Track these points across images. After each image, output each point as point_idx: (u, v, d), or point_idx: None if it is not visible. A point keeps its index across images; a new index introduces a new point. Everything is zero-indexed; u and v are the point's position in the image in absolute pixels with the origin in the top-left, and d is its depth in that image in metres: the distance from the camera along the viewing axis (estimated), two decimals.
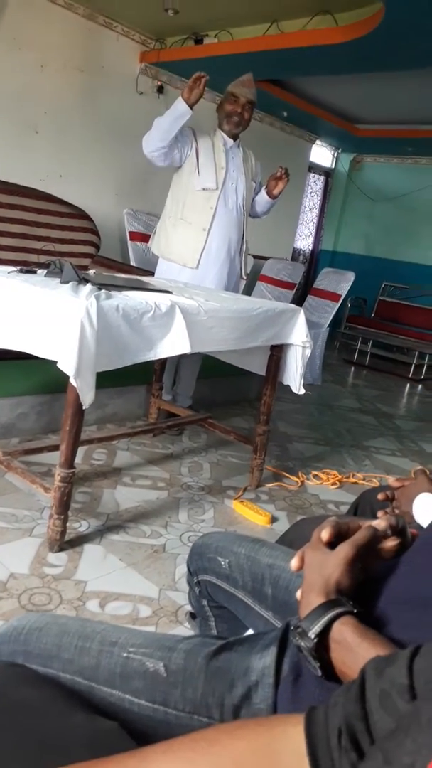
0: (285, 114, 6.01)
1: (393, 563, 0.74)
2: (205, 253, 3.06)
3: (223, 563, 1.10)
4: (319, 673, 0.66)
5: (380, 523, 0.75)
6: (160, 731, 0.74)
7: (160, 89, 5.01)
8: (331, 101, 5.77)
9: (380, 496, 1.28)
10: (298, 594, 0.73)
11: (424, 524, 1.13)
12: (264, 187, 3.24)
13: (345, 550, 0.72)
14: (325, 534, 0.74)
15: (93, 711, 0.71)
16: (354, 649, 0.63)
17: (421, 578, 0.68)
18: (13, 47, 4.02)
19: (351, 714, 0.47)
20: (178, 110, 2.85)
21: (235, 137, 3.11)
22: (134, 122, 4.88)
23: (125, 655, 0.79)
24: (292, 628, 0.70)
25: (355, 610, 0.67)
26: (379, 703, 0.47)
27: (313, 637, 0.65)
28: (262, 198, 3.25)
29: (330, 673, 0.66)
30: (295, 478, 2.96)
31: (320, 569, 0.71)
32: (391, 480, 1.32)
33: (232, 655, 0.78)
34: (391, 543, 0.76)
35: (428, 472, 1.27)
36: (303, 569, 0.74)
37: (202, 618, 1.22)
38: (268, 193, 3.20)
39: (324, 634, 0.65)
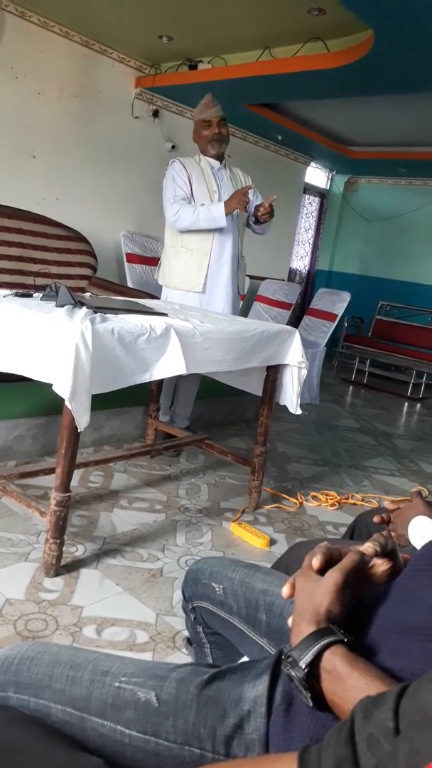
0: (279, 137, 6.10)
1: (384, 589, 0.73)
2: (210, 276, 3.10)
3: (217, 589, 1.08)
4: (311, 703, 0.65)
5: (368, 548, 0.75)
6: (151, 763, 0.73)
7: (156, 113, 5.09)
8: (325, 124, 5.86)
9: (376, 519, 1.27)
10: (290, 621, 0.72)
11: (419, 547, 1.12)
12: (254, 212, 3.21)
13: (333, 576, 0.71)
14: (315, 562, 0.74)
15: (80, 746, 0.71)
16: (344, 679, 0.62)
17: (410, 605, 0.67)
18: (11, 75, 4.09)
19: (342, 758, 0.48)
20: (218, 222, 2.99)
21: (220, 158, 3.16)
22: (130, 146, 4.97)
23: (117, 684, 0.78)
24: (283, 657, 0.69)
25: (345, 639, 0.66)
26: (366, 746, 0.47)
27: (303, 666, 0.65)
28: (253, 225, 3.27)
29: (321, 703, 0.65)
30: (293, 500, 2.94)
31: (310, 597, 0.71)
32: (387, 502, 1.32)
33: (225, 684, 0.77)
34: (381, 568, 0.75)
35: (425, 494, 1.27)
36: (294, 596, 0.74)
37: (198, 645, 1.21)
38: (256, 221, 3.19)
39: (315, 663, 0.65)
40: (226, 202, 2.97)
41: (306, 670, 0.64)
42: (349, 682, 0.61)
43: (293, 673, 0.65)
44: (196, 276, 3.10)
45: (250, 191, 3.04)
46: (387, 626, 0.68)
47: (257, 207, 3.12)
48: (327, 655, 0.64)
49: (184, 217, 3.01)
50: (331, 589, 0.70)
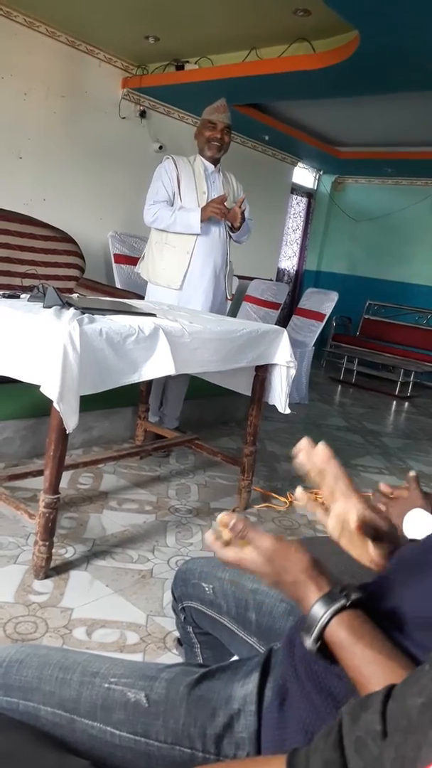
0: (267, 137, 6.11)
1: (376, 580, 0.74)
2: (189, 274, 3.10)
3: (207, 589, 1.09)
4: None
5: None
6: (141, 764, 0.73)
7: (143, 114, 5.08)
8: (312, 124, 5.87)
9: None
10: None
11: (415, 538, 1.12)
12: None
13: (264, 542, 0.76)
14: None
15: (68, 748, 0.70)
16: (350, 649, 0.62)
17: (399, 595, 0.67)
18: None
19: (330, 761, 0.48)
20: (192, 228, 3.04)
21: (215, 162, 3.17)
22: (117, 146, 4.96)
23: (106, 685, 0.77)
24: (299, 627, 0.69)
25: (349, 601, 0.66)
26: (354, 750, 0.47)
27: (313, 647, 0.65)
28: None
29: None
30: (283, 499, 2.95)
31: (282, 558, 0.74)
32: (383, 485, 1.26)
33: (214, 684, 0.77)
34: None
35: (418, 484, 1.23)
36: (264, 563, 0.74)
37: (188, 645, 1.21)
38: (231, 227, 3.17)
39: (324, 635, 0.65)
40: (202, 209, 3.01)
41: (318, 645, 0.65)
42: (355, 652, 0.62)
43: (308, 645, 0.66)
44: (175, 273, 3.10)
45: (228, 201, 3.06)
46: (377, 616, 0.68)
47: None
48: (333, 625, 0.65)
49: (162, 217, 3.06)
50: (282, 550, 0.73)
